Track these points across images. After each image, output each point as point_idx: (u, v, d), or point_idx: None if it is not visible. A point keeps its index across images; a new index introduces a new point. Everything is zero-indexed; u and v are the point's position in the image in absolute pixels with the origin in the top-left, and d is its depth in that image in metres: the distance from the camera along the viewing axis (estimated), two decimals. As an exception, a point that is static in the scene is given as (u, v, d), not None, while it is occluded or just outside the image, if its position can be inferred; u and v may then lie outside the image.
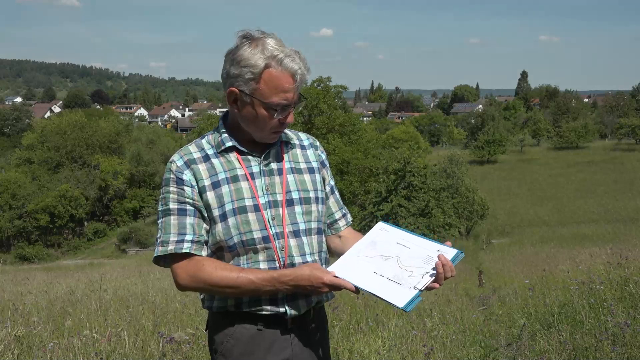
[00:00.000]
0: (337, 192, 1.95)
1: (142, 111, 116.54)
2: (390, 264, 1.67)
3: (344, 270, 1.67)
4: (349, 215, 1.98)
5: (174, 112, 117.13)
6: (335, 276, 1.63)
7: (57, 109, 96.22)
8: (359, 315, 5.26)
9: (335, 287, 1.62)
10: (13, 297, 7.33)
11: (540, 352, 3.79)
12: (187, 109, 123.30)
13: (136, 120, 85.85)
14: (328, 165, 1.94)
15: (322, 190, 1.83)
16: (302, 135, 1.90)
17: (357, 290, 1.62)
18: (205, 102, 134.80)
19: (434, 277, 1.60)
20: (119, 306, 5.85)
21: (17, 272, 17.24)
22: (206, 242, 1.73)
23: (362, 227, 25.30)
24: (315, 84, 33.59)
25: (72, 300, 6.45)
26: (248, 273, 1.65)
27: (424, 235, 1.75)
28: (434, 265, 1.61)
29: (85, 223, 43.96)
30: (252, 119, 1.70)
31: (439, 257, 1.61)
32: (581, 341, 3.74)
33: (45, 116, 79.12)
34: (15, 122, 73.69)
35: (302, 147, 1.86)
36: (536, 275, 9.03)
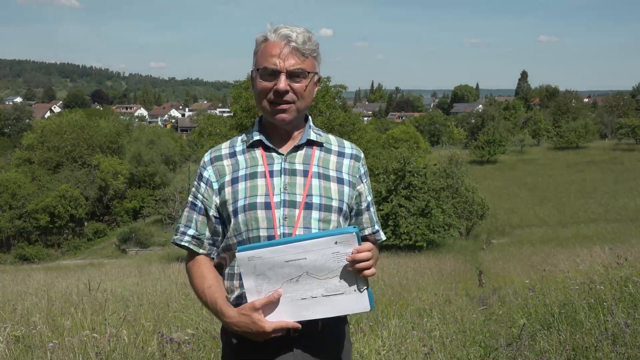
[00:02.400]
0: (372, 209, 1.88)
1: (142, 111, 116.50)
2: (306, 282, 1.56)
3: (271, 311, 1.58)
4: (380, 234, 1.90)
5: (174, 112, 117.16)
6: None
7: (57, 109, 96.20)
8: (359, 315, 5.26)
9: (279, 331, 1.57)
10: (13, 297, 7.33)
11: (540, 352, 3.79)
12: (187, 109, 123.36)
13: (136, 120, 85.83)
14: (368, 180, 1.87)
15: (347, 203, 1.76)
16: (347, 144, 1.83)
17: (300, 324, 1.58)
18: (205, 102, 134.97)
19: (360, 270, 1.55)
20: (118, 306, 5.85)
21: (17, 272, 17.23)
22: (210, 241, 1.78)
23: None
24: (315, 84, 33.58)
25: (71, 300, 6.45)
26: (209, 293, 1.67)
27: (296, 237, 1.58)
28: (349, 258, 1.54)
29: (85, 223, 43.93)
30: (255, 92, 1.73)
31: (351, 257, 1.53)
32: (581, 341, 3.73)
33: (45, 116, 79.06)
34: (16, 122, 73.70)
35: (341, 155, 1.79)
36: (536, 275, 9.02)
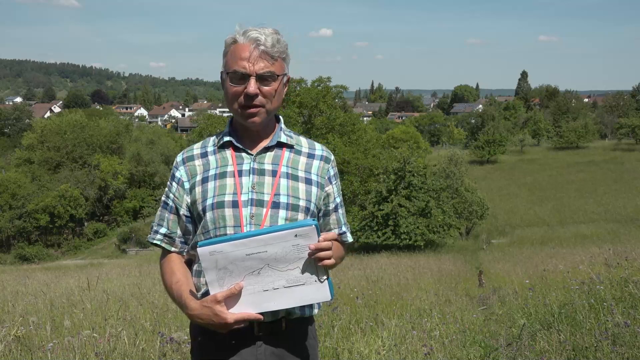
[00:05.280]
0: (341, 210, 1.90)
1: (142, 111, 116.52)
2: (268, 274, 1.59)
3: (234, 303, 1.61)
4: (347, 235, 1.92)
5: (174, 112, 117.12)
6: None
7: (57, 109, 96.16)
8: (359, 315, 5.26)
9: (241, 322, 1.60)
10: (13, 297, 7.33)
11: (540, 352, 3.78)
12: (187, 109, 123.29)
13: (136, 120, 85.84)
14: (337, 182, 1.89)
15: (315, 204, 1.78)
16: (318, 146, 1.86)
17: (263, 315, 1.61)
18: (205, 102, 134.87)
19: (320, 259, 1.58)
20: (118, 306, 5.85)
21: (17, 272, 17.22)
22: (182, 239, 1.82)
23: (362, 226, 25.28)
24: (316, 84, 33.56)
25: (71, 301, 6.44)
26: (176, 287, 1.71)
27: (256, 232, 1.60)
28: (313, 247, 1.57)
29: (85, 223, 43.92)
30: (225, 95, 1.75)
31: (312, 248, 1.56)
32: (581, 341, 3.73)
33: (45, 116, 79.01)
34: (16, 122, 73.63)
35: (310, 156, 1.82)
36: (536, 275, 9.03)
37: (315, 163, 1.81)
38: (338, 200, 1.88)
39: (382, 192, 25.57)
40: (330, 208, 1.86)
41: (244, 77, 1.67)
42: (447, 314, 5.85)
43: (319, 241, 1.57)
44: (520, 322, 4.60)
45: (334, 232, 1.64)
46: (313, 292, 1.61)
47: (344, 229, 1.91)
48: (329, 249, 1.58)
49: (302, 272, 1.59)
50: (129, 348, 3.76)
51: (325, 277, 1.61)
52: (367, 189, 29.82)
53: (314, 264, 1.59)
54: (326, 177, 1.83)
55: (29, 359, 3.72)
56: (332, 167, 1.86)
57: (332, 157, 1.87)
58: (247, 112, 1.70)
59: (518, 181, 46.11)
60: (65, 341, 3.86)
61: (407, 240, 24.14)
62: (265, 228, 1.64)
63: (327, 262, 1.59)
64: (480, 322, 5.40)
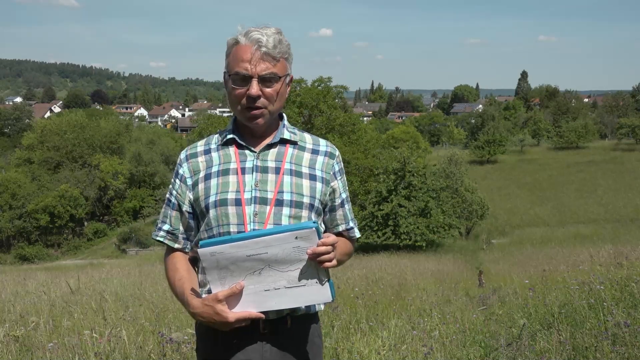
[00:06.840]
0: (347, 206, 1.89)
1: (142, 111, 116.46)
2: (269, 274, 1.60)
3: (235, 302, 1.62)
4: (354, 231, 1.92)
5: (174, 112, 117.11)
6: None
7: (57, 109, 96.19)
8: (359, 315, 5.26)
9: (242, 321, 1.60)
10: (12, 297, 7.33)
11: (540, 352, 3.78)
12: (187, 109, 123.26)
13: (136, 120, 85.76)
14: (343, 177, 1.88)
15: (320, 200, 1.78)
16: (322, 142, 1.86)
17: (264, 314, 1.62)
18: (205, 102, 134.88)
19: (321, 262, 1.58)
20: (118, 306, 5.85)
21: (17, 272, 17.22)
22: (184, 236, 1.82)
23: (363, 226, 25.26)
24: (316, 84, 33.55)
25: (71, 301, 6.44)
26: (179, 284, 1.72)
27: (256, 233, 1.60)
28: (309, 252, 1.57)
29: (85, 223, 43.93)
30: (228, 97, 1.75)
31: (309, 253, 1.56)
32: (581, 341, 3.73)
33: (45, 116, 79.03)
34: (16, 122, 73.64)
35: (314, 152, 1.81)
36: (536, 275, 9.02)
37: (320, 159, 1.81)
38: (344, 195, 1.88)
39: (382, 192, 25.56)
40: (337, 203, 1.86)
41: (245, 79, 1.68)
42: (447, 314, 5.85)
43: (317, 245, 1.57)
44: (520, 322, 4.60)
45: (334, 237, 1.63)
46: (314, 293, 1.62)
47: (351, 224, 1.90)
48: (328, 252, 1.58)
49: (303, 274, 1.60)
50: (129, 348, 3.76)
51: (326, 279, 1.61)
52: (367, 189, 29.81)
53: (315, 266, 1.59)
54: (331, 173, 1.82)
55: (29, 359, 3.71)
56: (337, 163, 1.85)
57: (337, 153, 1.87)
58: (250, 114, 1.71)
59: (518, 181, 46.11)
60: (65, 341, 3.86)
61: (407, 240, 24.14)
62: (266, 230, 1.64)
63: (328, 264, 1.59)
64: (480, 322, 5.40)
